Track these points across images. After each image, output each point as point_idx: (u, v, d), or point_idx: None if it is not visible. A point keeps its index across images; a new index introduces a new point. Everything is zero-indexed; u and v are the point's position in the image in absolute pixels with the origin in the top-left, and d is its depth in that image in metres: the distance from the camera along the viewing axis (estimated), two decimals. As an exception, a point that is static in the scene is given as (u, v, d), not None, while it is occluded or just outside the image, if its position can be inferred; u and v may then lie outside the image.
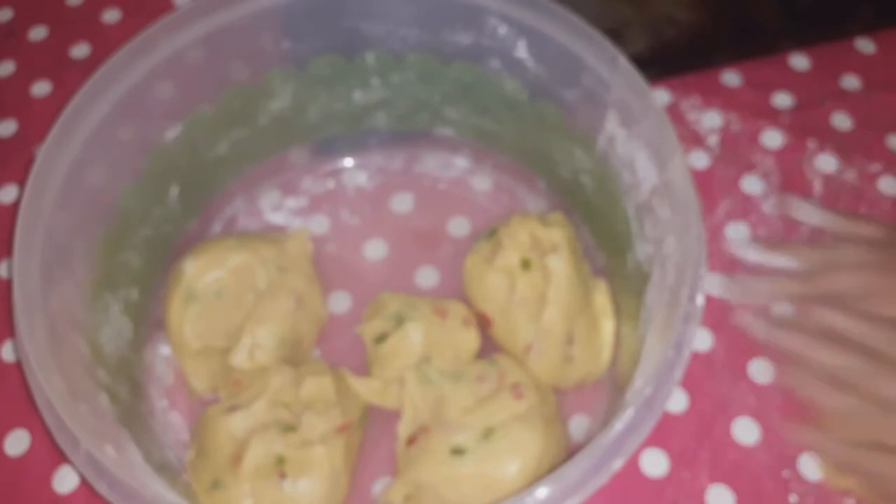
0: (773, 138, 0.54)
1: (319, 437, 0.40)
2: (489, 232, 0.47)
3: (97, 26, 0.60)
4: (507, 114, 0.48)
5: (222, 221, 0.51)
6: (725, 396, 0.45)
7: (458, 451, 0.40)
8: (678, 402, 0.45)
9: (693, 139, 0.54)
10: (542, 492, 0.29)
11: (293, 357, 0.45)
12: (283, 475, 0.40)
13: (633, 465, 0.43)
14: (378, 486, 0.43)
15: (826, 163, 0.53)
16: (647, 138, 0.39)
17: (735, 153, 0.54)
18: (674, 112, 0.55)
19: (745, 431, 0.44)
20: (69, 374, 0.36)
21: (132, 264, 0.44)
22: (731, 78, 0.57)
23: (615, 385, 0.43)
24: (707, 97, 0.56)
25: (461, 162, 0.53)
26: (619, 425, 0.30)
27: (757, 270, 0.49)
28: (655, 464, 0.43)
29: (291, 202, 0.52)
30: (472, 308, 0.46)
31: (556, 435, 0.41)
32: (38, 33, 0.60)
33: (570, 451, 0.41)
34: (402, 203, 0.52)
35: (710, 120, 0.55)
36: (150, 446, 0.39)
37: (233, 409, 0.42)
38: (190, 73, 0.44)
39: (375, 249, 0.51)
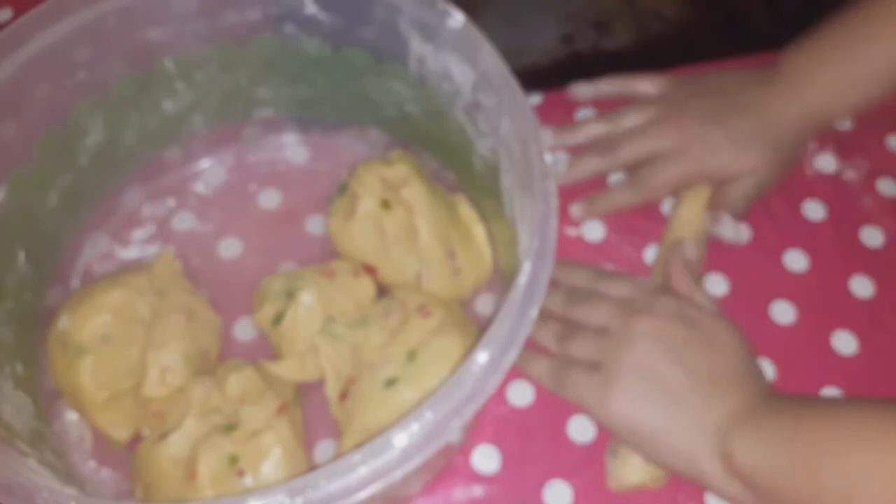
0: (772, 138, 0.54)
1: (264, 424, 0.41)
2: (340, 188, 0.49)
3: None
4: (317, 74, 0.49)
5: (79, 276, 0.50)
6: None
7: (391, 382, 0.41)
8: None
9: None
10: (482, 356, 0.31)
11: (203, 368, 0.45)
12: (241, 472, 0.40)
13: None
14: (319, 451, 0.45)
15: (826, 163, 0.54)
16: (453, 43, 0.42)
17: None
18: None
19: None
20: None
21: (6, 340, 0.43)
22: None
23: (506, 277, 0.46)
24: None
25: (289, 138, 0.54)
26: (522, 279, 0.33)
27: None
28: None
29: (139, 234, 0.52)
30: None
31: (474, 335, 0.44)
32: None
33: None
34: (247, 195, 0.53)
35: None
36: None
37: (164, 435, 0.41)
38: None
39: (234, 246, 0.51)
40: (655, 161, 0.50)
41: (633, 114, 0.51)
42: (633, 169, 0.51)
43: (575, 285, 0.47)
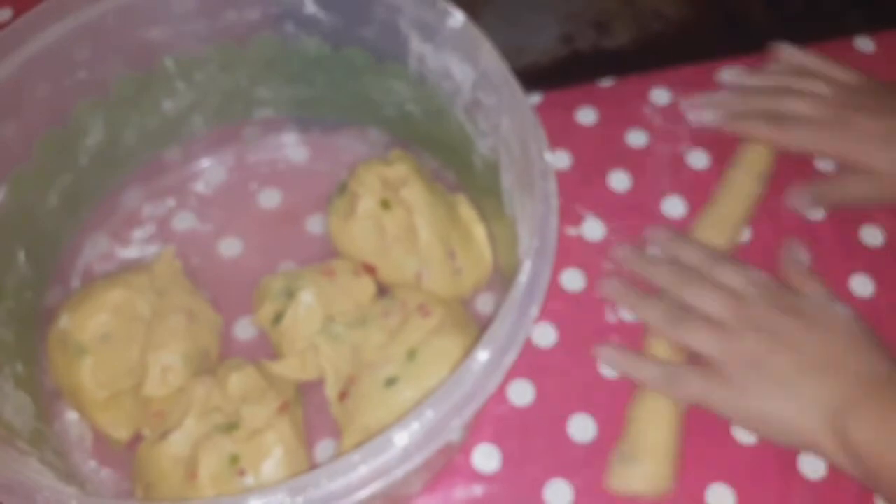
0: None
1: (265, 423, 0.41)
2: (339, 188, 0.49)
3: None
4: (317, 73, 0.49)
5: (79, 275, 0.50)
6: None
7: (391, 382, 0.41)
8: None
9: (693, 139, 0.55)
10: (482, 355, 0.31)
11: (204, 368, 0.45)
12: (242, 472, 0.40)
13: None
14: (319, 450, 0.45)
15: (826, 162, 0.53)
16: (453, 42, 0.42)
17: (735, 153, 0.53)
18: (674, 111, 0.56)
19: (745, 431, 0.45)
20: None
21: (6, 340, 0.43)
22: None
23: (506, 276, 0.46)
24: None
25: (289, 138, 0.54)
26: (523, 278, 0.33)
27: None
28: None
29: (139, 233, 0.52)
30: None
31: (474, 334, 0.44)
32: None
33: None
34: (247, 195, 0.52)
35: (710, 119, 0.55)
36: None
37: (165, 434, 0.41)
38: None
39: (234, 246, 0.51)
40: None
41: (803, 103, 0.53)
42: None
43: (686, 263, 0.48)
